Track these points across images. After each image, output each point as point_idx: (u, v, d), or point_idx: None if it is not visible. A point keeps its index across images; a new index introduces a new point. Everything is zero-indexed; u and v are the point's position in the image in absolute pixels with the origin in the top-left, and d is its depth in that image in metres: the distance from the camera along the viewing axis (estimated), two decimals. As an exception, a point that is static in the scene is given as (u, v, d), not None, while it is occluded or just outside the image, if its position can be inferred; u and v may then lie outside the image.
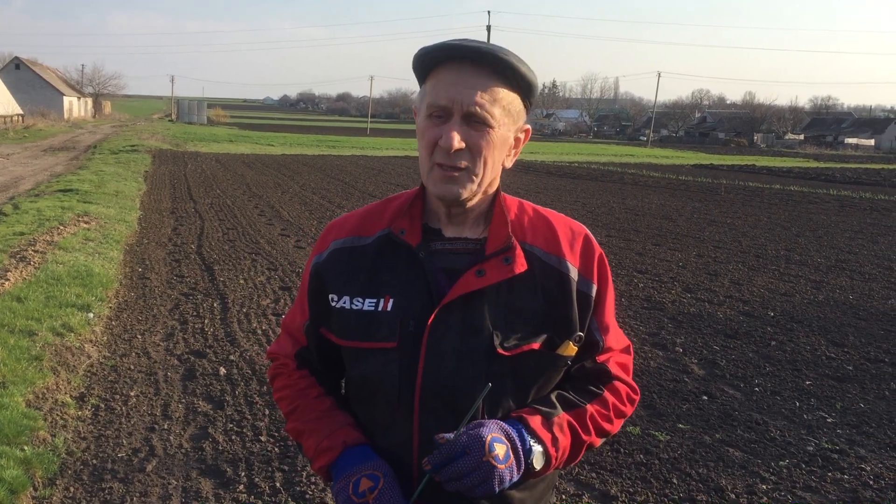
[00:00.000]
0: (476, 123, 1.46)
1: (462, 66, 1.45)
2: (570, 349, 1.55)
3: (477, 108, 1.44)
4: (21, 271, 8.03)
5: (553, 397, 1.55)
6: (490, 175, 1.52)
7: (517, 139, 1.56)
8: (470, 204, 1.54)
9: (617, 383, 1.62)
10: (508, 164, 1.58)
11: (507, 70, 1.46)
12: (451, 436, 1.41)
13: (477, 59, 1.45)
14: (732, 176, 32.63)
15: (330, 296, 1.59)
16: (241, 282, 8.53)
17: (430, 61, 1.49)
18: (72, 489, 3.90)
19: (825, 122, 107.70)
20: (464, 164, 1.47)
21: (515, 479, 1.43)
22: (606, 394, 1.60)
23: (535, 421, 1.48)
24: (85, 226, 11.37)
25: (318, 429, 1.59)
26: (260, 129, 68.38)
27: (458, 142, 1.44)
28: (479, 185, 1.51)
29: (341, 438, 1.55)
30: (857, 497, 4.18)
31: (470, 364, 1.48)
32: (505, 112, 1.48)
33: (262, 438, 4.54)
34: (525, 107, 1.54)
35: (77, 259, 8.82)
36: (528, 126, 1.59)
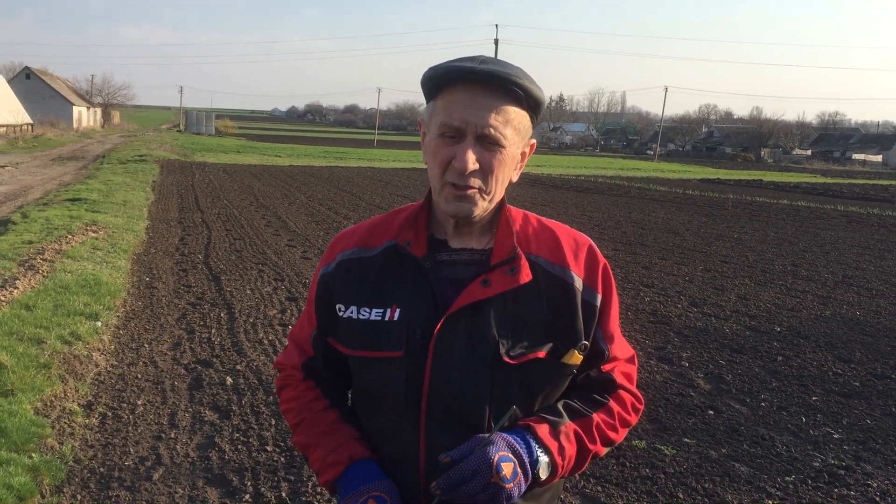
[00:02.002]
0: (489, 144, 1.48)
1: (475, 87, 1.47)
2: (576, 358, 1.57)
3: (490, 129, 1.46)
4: (30, 279, 8.08)
5: (560, 406, 1.57)
6: (500, 191, 1.55)
7: (523, 154, 1.59)
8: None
9: (622, 392, 1.64)
10: (515, 178, 1.61)
11: (519, 92, 1.48)
12: (453, 452, 1.43)
13: (490, 82, 1.47)
14: (739, 191, 32.61)
15: (337, 306, 1.61)
16: (248, 292, 8.56)
17: (443, 81, 1.51)
18: (79, 497, 3.91)
19: (832, 138, 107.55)
20: (477, 183, 1.49)
21: (524, 490, 1.45)
22: (612, 403, 1.62)
23: (543, 430, 1.50)
24: (93, 235, 11.44)
25: (324, 442, 1.60)
26: (267, 140, 68.68)
27: (472, 163, 1.47)
28: (491, 202, 1.54)
29: (347, 453, 1.57)
30: (864, 513, 4.16)
31: (476, 373, 1.49)
32: (515, 131, 1.51)
33: (269, 448, 4.56)
34: (532, 123, 1.57)
35: (85, 268, 8.87)
36: (534, 140, 1.63)
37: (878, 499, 4.34)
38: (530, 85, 1.50)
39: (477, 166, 1.47)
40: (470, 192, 1.49)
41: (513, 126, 1.49)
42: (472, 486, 1.38)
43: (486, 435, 1.45)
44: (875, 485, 4.50)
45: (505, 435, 1.46)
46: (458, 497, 1.39)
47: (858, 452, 4.98)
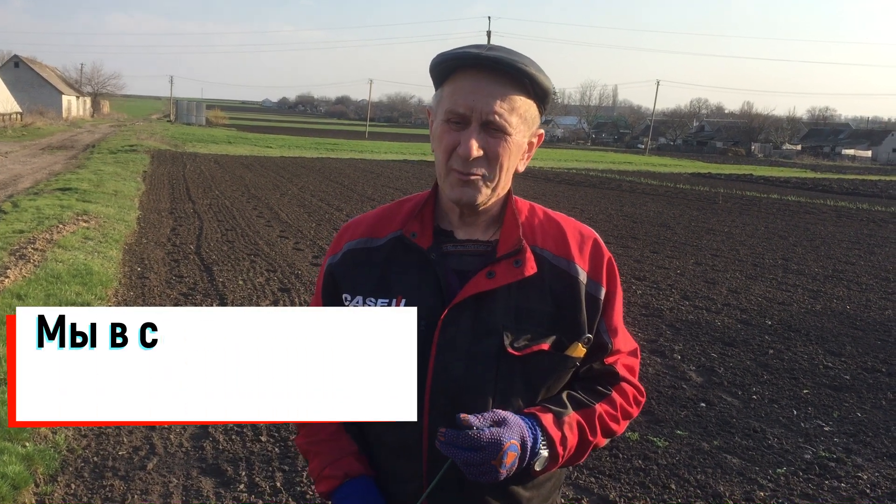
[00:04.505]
0: (493, 131, 1.48)
1: (481, 74, 1.47)
2: (579, 350, 1.57)
3: (495, 116, 1.46)
4: (21, 269, 8.04)
5: (564, 397, 1.57)
6: (505, 180, 1.54)
7: (530, 143, 1.59)
8: (483, 207, 1.56)
9: (624, 384, 1.64)
10: (521, 169, 1.60)
11: (525, 79, 1.48)
12: (475, 420, 1.40)
13: (496, 69, 1.46)
14: (730, 185, 32.69)
15: (343, 295, 1.61)
16: (241, 283, 8.54)
17: (449, 68, 1.50)
18: (73, 486, 3.91)
19: (823, 133, 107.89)
20: (481, 171, 1.49)
21: (511, 475, 1.44)
22: (614, 394, 1.62)
23: (548, 419, 1.50)
24: (84, 225, 11.38)
25: (323, 452, 1.61)
26: (258, 130, 68.25)
27: (476, 150, 1.46)
28: (494, 190, 1.53)
29: (344, 469, 1.58)
30: (854, 505, 4.20)
31: (480, 363, 1.50)
32: (521, 119, 1.50)
33: (263, 438, 4.56)
34: (539, 112, 1.56)
35: (76, 258, 8.83)
36: (542, 131, 1.62)
37: (868, 491, 4.38)
38: (537, 73, 1.49)
39: (481, 153, 1.47)
40: (473, 178, 1.49)
41: (518, 114, 1.49)
42: (473, 456, 1.37)
43: (510, 413, 1.44)
44: (865, 477, 4.55)
45: (521, 422, 1.45)
46: (454, 456, 1.38)
47: (849, 445, 5.02)
